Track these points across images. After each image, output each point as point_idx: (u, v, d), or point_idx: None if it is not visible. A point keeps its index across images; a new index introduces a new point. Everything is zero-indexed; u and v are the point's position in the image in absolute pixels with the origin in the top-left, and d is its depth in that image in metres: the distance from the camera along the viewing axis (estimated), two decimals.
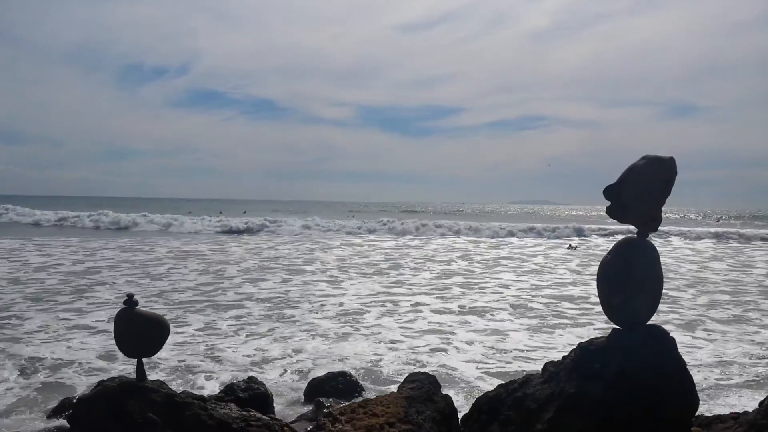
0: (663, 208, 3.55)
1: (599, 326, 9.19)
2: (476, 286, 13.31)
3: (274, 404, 5.22)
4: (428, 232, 31.61)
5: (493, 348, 7.78)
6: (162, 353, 5.59)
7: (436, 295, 11.94)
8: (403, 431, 3.73)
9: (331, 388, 5.55)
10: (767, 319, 9.80)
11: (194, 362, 6.84)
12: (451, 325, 9.19)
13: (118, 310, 4.04)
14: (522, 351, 7.67)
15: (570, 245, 25.63)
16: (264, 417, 4.06)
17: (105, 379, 4.06)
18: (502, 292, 12.47)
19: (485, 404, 4.04)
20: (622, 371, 3.37)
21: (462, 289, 12.81)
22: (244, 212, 56.21)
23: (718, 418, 3.81)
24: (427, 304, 10.88)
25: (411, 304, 10.87)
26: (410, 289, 12.81)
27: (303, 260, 18.31)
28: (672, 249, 24.61)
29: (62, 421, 4.62)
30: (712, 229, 35.25)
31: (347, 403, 4.43)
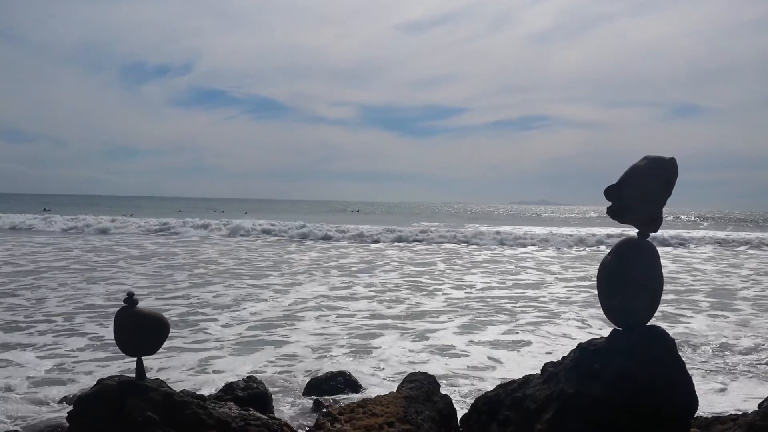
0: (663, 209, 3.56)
1: (528, 320, 9.45)
2: (433, 288, 13.14)
3: (273, 403, 5.22)
4: (416, 236, 28.55)
5: (409, 349, 7.63)
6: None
7: (383, 298, 11.58)
8: (402, 431, 3.73)
9: (331, 388, 5.55)
10: (688, 319, 9.79)
11: (39, 374, 6.37)
12: (378, 326, 9.01)
13: (119, 308, 4.04)
14: (433, 352, 7.57)
15: (557, 247, 26.02)
16: (263, 416, 4.06)
17: (104, 377, 4.06)
18: (455, 293, 12.36)
19: (484, 404, 4.04)
20: (621, 372, 3.37)
21: (416, 291, 12.67)
22: (245, 213, 56.56)
23: (717, 419, 3.81)
24: (368, 309, 10.43)
25: (352, 308, 10.49)
26: (356, 291, 12.43)
27: (272, 263, 17.68)
28: (666, 251, 24.52)
29: (61, 420, 4.62)
30: (709, 232, 35.19)
31: (346, 403, 4.42)
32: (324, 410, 4.57)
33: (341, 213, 62.27)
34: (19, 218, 34.52)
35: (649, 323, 3.58)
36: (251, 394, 4.88)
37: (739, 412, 4.19)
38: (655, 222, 3.52)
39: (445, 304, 11.19)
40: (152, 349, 4.12)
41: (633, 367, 3.37)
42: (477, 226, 36.45)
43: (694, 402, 3.48)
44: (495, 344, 8.04)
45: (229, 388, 4.97)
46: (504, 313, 10.19)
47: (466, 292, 12.56)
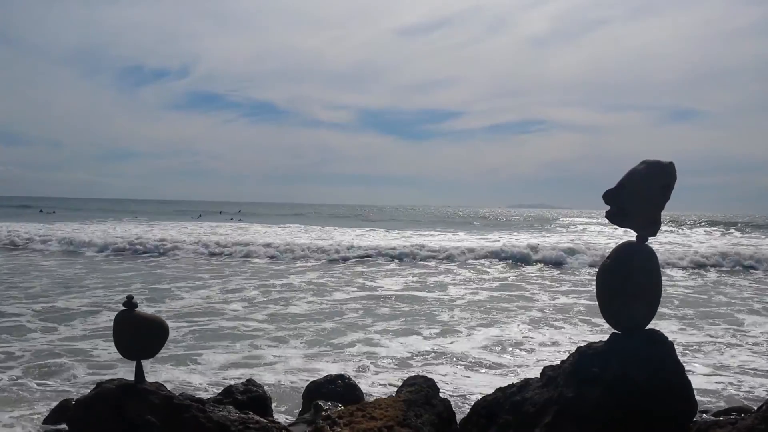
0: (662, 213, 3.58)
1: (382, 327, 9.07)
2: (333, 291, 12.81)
3: (273, 407, 5.21)
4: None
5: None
6: None
7: (258, 307, 10.86)
8: None
9: (330, 391, 5.53)
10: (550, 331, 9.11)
11: None
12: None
13: (118, 311, 4.04)
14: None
15: (538, 245, 25.68)
16: (262, 420, 4.06)
17: (103, 381, 4.05)
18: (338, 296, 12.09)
19: (483, 408, 4.04)
20: (620, 375, 3.38)
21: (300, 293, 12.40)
22: (239, 211, 58.64)
23: (717, 423, 3.81)
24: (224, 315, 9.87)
25: (208, 315, 9.89)
26: (244, 296, 11.90)
27: (214, 271, 16.37)
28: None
29: (61, 424, 4.61)
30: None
31: (345, 407, 4.42)
32: (323, 414, 4.57)
33: (341, 218, 62.40)
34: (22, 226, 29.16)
35: (648, 327, 3.59)
36: (250, 398, 4.87)
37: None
38: (654, 226, 3.53)
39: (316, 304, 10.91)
40: (151, 353, 4.12)
41: (632, 371, 3.38)
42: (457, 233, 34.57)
43: (692, 405, 3.49)
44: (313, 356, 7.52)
45: (228, 391, 4.95)
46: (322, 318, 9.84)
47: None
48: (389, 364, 7.21)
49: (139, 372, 3.98)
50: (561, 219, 73.20)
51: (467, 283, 14.98)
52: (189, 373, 6.61)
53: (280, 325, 9.24)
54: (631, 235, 3.67)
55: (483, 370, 6.97)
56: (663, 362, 3.45)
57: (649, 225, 3.53)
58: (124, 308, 3.98)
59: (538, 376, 3.94)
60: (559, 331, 9.14)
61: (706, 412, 4.25)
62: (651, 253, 3.56)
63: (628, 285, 3.50)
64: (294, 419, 5.12)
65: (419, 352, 7.74)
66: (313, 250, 20.87)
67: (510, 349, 7.95)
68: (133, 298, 4.00)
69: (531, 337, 8.60)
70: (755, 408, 3.76)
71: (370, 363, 7.19)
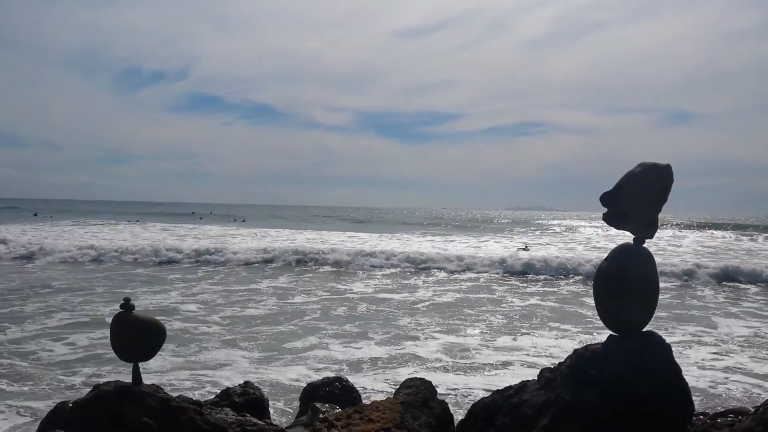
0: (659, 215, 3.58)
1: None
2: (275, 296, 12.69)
3: (270, 409, 5.21)
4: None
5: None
6: None
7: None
8: None
9: (327, 394, 5.52)
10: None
11: None
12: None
13: (115, 314, 4.03)
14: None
15: (525, 246, 25.92)
16: (260, 422, 4.05)
17: (100, 383, 4.04)
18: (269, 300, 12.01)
19: (481, 410, 4.04)
20: (618, 377, 3.39)
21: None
22: (233, 214, 60.46)
23: (714, 425, 3.82)
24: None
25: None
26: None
27: (188, 274, 16.39)
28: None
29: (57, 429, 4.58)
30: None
31: (343, 409, 4.42)
32: (321, 416, 4.56)
33: (332, 219, 62.72)
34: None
35: (645, 329, 3.60)
36: (248, 400, 4.86)
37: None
38: (651, 228, 3.54)
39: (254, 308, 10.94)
40: (148, 355, 4.11)
41: (629, 373, 3.38)
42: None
43: (690, 407, 3.50)
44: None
45: (226, 393, 4.94)
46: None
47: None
48: (345, 368, 7.17)
49: (136, 374, 3.97)
50: (546, 221, 73.30)
51: (439, 285, 14.98)
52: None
53: (236, 329, 9.20)
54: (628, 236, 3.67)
55: (447, 373, 6.98)
56: (660, 364, 3.45)
57: (646, 227, 3.54)
58: (121, 310, 3.97)
59: (536, 378, 3.95)
60: (526, 334, 8.99)
61: (703, 414, 4.26)
62: (648, 255, 3.57)
63: (625, 287, 3.51)
64: (292, 421, 5.12)
65: (385, 355, 7.71)
66: (294, 253, 20.74)
67: (468, 352, 7.91)
68: (129, 300, 3.99)
69: (493, 341, 8.55)
70: (752, 410, 3.77)
71: (323, 366, 7.16)
